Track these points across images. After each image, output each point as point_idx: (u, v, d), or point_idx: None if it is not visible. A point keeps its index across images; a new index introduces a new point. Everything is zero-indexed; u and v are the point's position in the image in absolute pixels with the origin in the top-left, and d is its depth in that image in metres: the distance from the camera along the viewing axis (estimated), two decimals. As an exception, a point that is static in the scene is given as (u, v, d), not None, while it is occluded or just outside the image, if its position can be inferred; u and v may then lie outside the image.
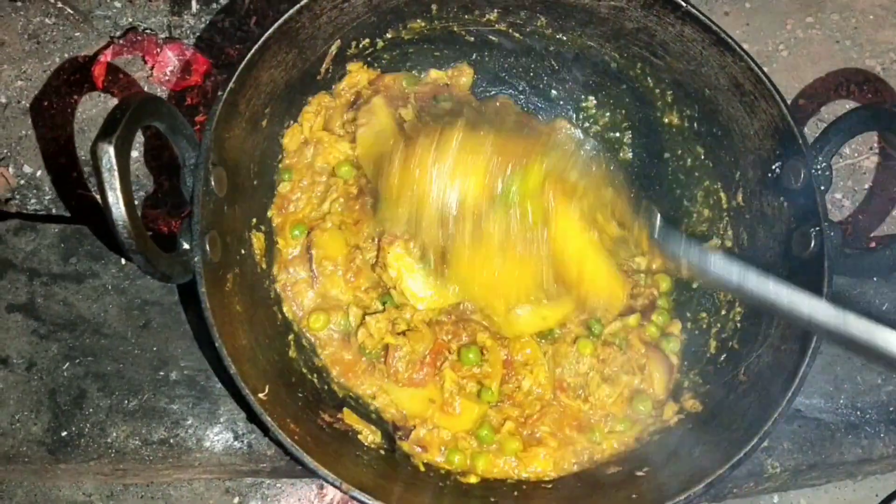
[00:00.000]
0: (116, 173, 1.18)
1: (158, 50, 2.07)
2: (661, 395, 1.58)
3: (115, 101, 2.05)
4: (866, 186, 2.19)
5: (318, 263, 1.58)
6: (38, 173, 2.01)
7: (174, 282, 1.34)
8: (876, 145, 2.21)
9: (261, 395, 1.34)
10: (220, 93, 1.44)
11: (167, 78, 2.08)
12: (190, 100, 2.05)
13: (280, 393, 1.41)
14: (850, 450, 1.65)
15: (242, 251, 1.52)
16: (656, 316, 1.64)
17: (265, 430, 1.46)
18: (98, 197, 1.83)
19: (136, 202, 1.25)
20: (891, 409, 1.69)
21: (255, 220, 1.56)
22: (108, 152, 1.18)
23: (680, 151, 1.73)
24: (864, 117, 1.45)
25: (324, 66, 1.65)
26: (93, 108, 2.07)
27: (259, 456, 1.59)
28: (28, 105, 2.07)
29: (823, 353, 1.67)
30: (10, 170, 2.00)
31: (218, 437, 1.57)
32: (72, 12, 2.15)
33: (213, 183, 1.41)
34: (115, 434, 1.55)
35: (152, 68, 2.08)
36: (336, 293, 1.59)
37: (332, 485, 1.31)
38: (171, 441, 1.56)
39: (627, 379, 1.58)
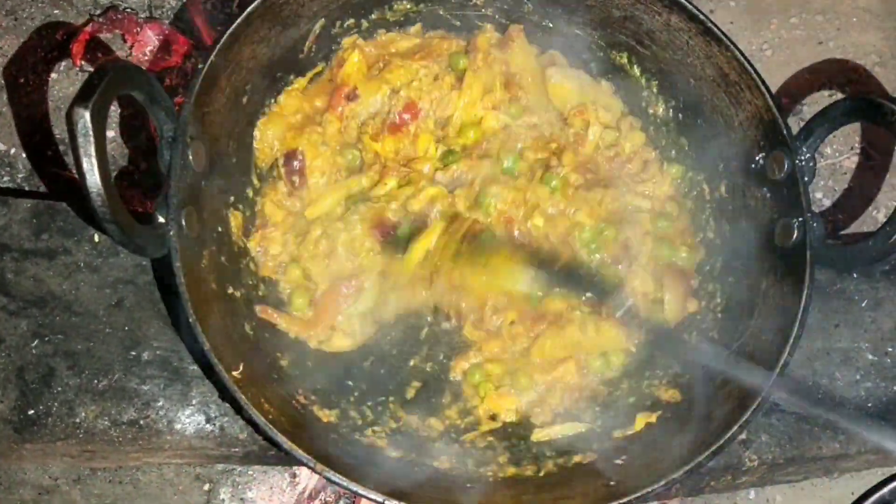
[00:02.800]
0: (92, 139, 1.16)
1: (138, 29, 2.04)
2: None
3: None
4: (847, 186, 2.19)
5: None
6: (12, 151, 1.97)
7: (149, 255, 1.31)
8: (857, 145, 2.22)
9: (235, 373, 1.32)
10: (200, 66, 1.42)
11: (147, 58, 2.05)
12: (169, 80, 2.02)
13: (254, 373, 1.38)
14: (828, 444, 1.65)
15: (219, 228, 1.49)
16: None
17: (238, 409, 1.43)
18: (73, 171, 1.82)
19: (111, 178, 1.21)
20: (868, 405, 1.69)
21: (233, 198, 1.54)
22: (84, 117, 1.15)
23: (664, 143, 1.72)
24: (848, 108, 1.44)
25: (307, 44, 1.62)
26: (70, 87, 2.03)
27: (231, 440, 1.55)
28: (3, 82, 2.03)
29: (802, 348, 1.67)
30: (-16, 146, 1.97)
31: (189, 420, 1.54)
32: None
33: (190, 157, 1.38)
34: (83, 414, 1.51)
35: (131, 47, 2.04)
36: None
37: (306, 465, 1.28)
38: (142, 422, 1.53)
39: None
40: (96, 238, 1.63)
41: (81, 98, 1.16)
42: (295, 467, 1.80)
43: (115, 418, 1.52)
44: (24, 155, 1.97)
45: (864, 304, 1.77)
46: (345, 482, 1.27)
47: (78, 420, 1.51)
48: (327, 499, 1.80)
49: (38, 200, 1.64)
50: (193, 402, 1.55)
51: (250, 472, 1.79)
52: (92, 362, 1.54)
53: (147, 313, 1.59)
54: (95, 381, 1.53)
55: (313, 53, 1.65)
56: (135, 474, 1.76)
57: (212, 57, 1.42)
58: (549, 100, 1.71)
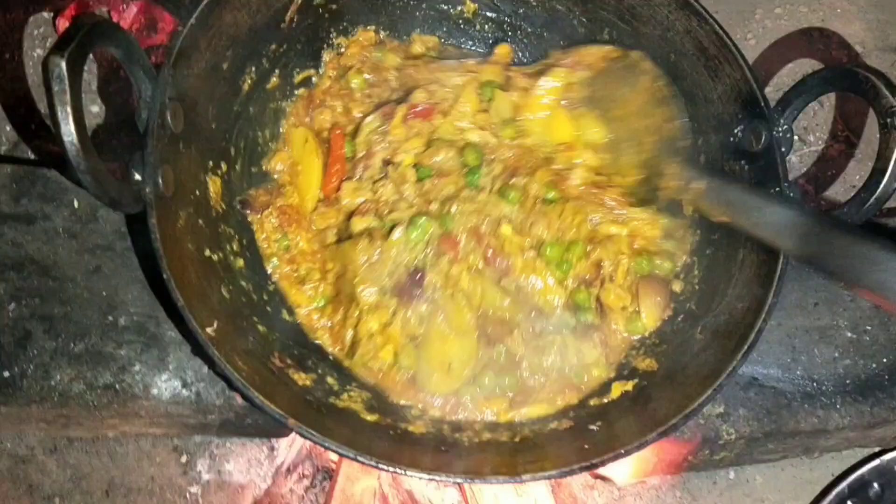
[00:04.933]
0: (67, 88, 1.16)
1: (124, 6, 2.05)
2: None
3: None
4: (829, 174, 2.20)
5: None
6: (-7, 125, 1.97)
7: (124, 210, 1.31)
8: (840, 133, 2.23)
9: (209, 330, 1.31)
10: (180, 27, 1.42)
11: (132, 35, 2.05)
12: (154, 58, 2.00)
13: (229, 332, 1.37)
14: (806, 419, 1.65)
15: (197, 192, 1.49)
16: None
17: (212, 365, 1.42)
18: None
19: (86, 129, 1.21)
20: (847, 381, 1.69)
21: (211, 162, 1.53)
22: (60, 66, 1.15)
23: (644, 117, 1.73)
24: (825, 78, 1.45)
25: (288, 14, 1.63)
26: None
27: (208, 406, 1.55)
28: (-12, 57, 2.03)
29: (781, 326, 1.69)
30: (-33, 121, 1.97)
31: (166, 385, 1.54)
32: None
33: (168, 118, 1.38)
34: (59, 377, 1.51)
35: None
36: None
37: (279, 421, 1.27)
38: (117, 386, 1.52)
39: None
40: (76, 204, 1.63)
41: (57, 48, 1.16)
42: (273, 440, 1.80)
43: (90, 382, 1.51)
44: (7, 128, 1.97)
45: (842, 284, 1.77)
46: (318, 437, 1.27)
47: (53, 383, 1.51)
48: (305, 472, 1.79)
49: (19, 166, 1.64)
50: (170, 367, 1.54)
51: (228, 445, 1.79)
52: (69, 326, 1.54)
53: (125, 279, 1.59)
54: (72, 345, 1.53)
55: (294, 24, 1.66)
56: (112, 445, 1.75)
57: (192, 19, 1.42)
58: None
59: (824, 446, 1.78)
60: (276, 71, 1.67)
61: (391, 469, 1.27)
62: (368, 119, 1.66)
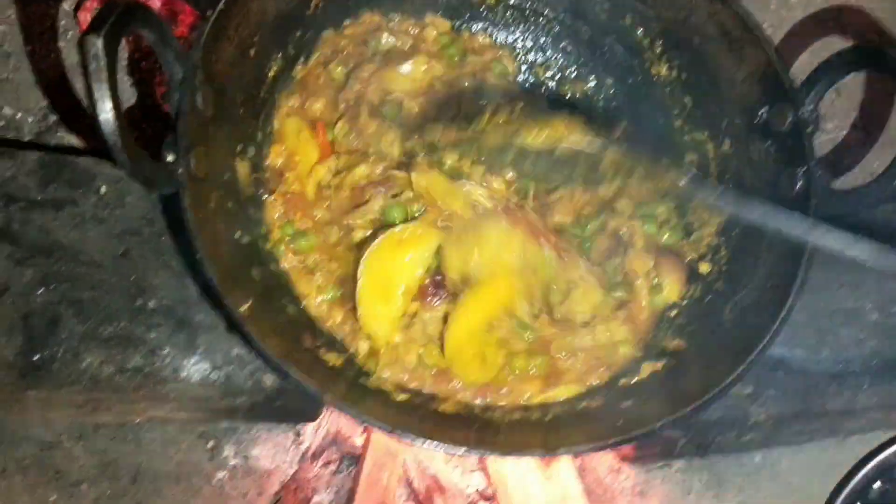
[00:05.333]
0: (104, 65, 1.17)
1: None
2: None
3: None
4: (847, 162, 2.20)
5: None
6: (18, 115, 1.98)
7: (157, 190, 1.32)
8: (859, 122, 2.23)
9: (242, 309, 1.32)
10: (209, 13, 1.43)
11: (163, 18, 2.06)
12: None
13: (261, 312, 1.38)
14: (834, 399, 1.65)
15: (227, 175, 1.50)
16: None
17: (246, 343, 1.42)
18: (78, 133, 1.83)
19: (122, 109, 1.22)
20: (873, 362, 1.69)
21: (240, 146, 1.54)
22: (97, 45, 1.16)
23: (668, 103, 1.74)
24: (851, 57, 1.45)
25: (314, 1, 1.64)
26: (77, 55, 2.04)
27: (237, 388, 1.56)
28: (10, 49, 2.04)
29: (807, 308, 1.69)
30: (-9, 110, 1.98)
31: (195, 367, 1.54)
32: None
33: (199, 101, 1.39)
34: (89, 360, 1.52)
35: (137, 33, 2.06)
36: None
37: (314, 396, 1.28)
38: (147, 369, 1.53)
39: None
40: (103, 190, 1.64)
41: (93, 28, 1.17)
42: (299, 426, 1.80)
43: (120, 365, 1.52)
44: (30, 120, 1.98)
45: (867, 266, 1.77)
46: (354, 412, 1.27)
47: (83, 366, 1.51)
48: (331, 457, 1.79)
49: (46, 153, 1.65)
50: (199, 350, 1.55)
51: (254, 431, 1.79)
52: (98, 310, 1.55)
53: (153, 264, 1.59)
54: (101, 329, 1.54)
55: (319, 10, 1.67)
56: (138, 432, 1.76)
57: (221, 4, 1.43)
58: None
59: (850, 428, 1.78)
60: (302, 58, 1.68)
61: (425, 444, 1.27)
62: (338, 125, 1.65)
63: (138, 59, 2.05)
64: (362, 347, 1.50)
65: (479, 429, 1.41)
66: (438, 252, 1.51)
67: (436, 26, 1.79)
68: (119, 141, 1.20)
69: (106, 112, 1.18)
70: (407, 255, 1.49)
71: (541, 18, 1.81)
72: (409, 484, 1.81)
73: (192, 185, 1.34)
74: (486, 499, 1.82)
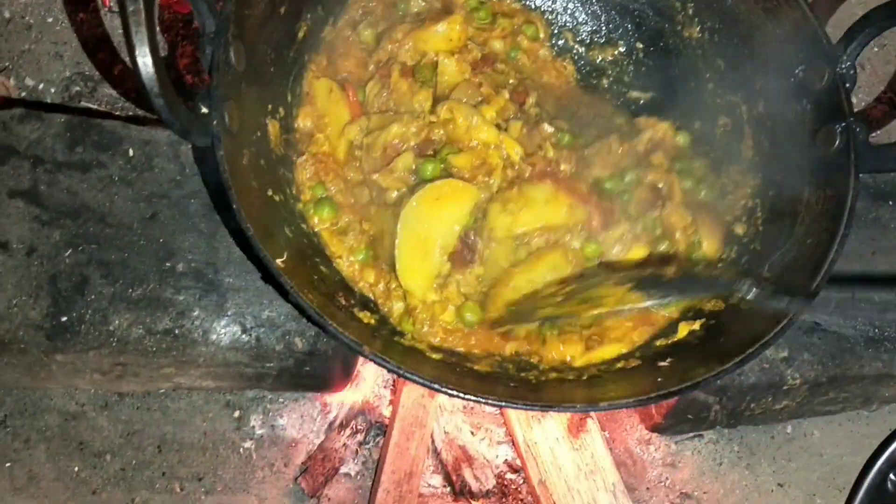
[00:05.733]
0: (143, 7, 1.15)
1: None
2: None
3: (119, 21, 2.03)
4: (873, 135, 2.19)
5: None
6: (41, 86, 1.97)
7: (192, 140, 1.29)
8: (884, 95, 2.22)
9: (279, 261, 1.29)
10: (240, -32, 1.42)
11: (176, 0, 2.05)
12: (197, 24, 2.02)
13: (297, 266, 1.36)
14: (870, 363, 1.63)
15: (258, 133, 1.48)
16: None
17: (284, 294, 1.39)
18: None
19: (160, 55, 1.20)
20: (910, 327, 1.67)
21: (270, 106, 1.52)
22: (137, -17, 1.14)
23: (700, 66, 1.72)
24: (889, 12, 1.44)
25: (341, -43, 1.63)
26: (98, 27, 2.04)
27: (267, 352, 1.53)
28: (32, 21, 2.03)
29: (840, 274, 1.66)
30: (12, 81, 1.96)
31: (225, 330, 1.52)
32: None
33: (232, 55, 1.37)
34: (117, 322, 1.49)
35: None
36: None
37: (353, 348, 1.25)
38: (176, 331, 1.50)
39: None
40: (130, 153, 1.62)
41: (132, -30, 1.16)
42: (326, 395, 1.78)
43: (149, 327, 1.50)
44: (52, 90, 1.97)
45: (900, 232, 1.76)
46: (392, 365, 1.25)
47: (112, 328, 1.49)
48: (359, 427, 1.77)
49: (73, 116, 1.63)
50: (229, 313, 1.53)
51: (281, 400, 1.76)
52: (126, 272, 1.52)
53: (182, 227, 1.57)
54: (130, 291, 1.51)
55: (347, -32, 1.66)
56: (163, 401, 1.73)
57: (252, -41, 1.42)
58: None
59: (884, 396, 1.76)
60: (331, 20, 1.67)
61: (464, 396, 1.25)
62: (369, 85, 1.63)
63: (161, 31, 2.04)
64: (396, 307, 1.48)
65: (516, 387, 1.39)
66: (474, 211, 1.49)
67: None
68: (157, 85, 1.18)
69: (144, 55, 1.16)
70: (445, 211, 1.47)
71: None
72: (437, 454, 1.79)
73: (226, 138, 1.32)
74: (515, 470, 1.79)
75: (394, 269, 1.49)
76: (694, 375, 1.31)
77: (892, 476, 1.71)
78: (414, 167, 1.53)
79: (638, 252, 1.52)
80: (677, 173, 1.59)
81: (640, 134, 1.60)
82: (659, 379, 1.35)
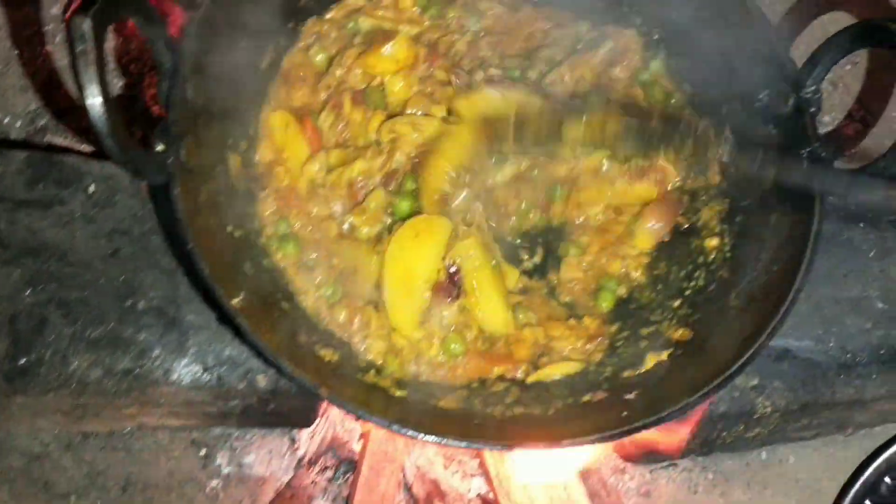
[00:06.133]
0: (92, 47, 1.13)
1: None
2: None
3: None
4: (846, 154, 2.19)
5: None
6: (6, 119, 1.96)
7: (147, 179, 1.27)
8: (855, 114, 2.22)
9: (235, 301, 1.27)
10: (199, 2, 1.41)
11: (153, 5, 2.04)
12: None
13: (255, 306, 1.34)
14: (842, 390, 1.61)
15: (218, 168, 1.46)
16: None
17: (238, 335, 1.37)
18: (65, 139, 1.79)
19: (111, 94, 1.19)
20: (882, 351, 1.66)
21: (231, 139, 1.51)
22: (85, 25, 1.12)
23: (666, 94, 1.71)
24: (853, 34, 1.42)
25: (306, -9, 1.62)
26: (64, 58, 2.02)
27: (229, 391, 1.51)
28: (-1, 54, 2.02)
29: (812, 298, 1.66)
30: (-24, 115, 1.95)
31: (186, 370, 1.50)
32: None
33: (189, 90, 1.36)
34: (77, 363, 1.47)
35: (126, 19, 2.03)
36: None
37: (310, 390, 1.23)
38: (136, 371, 1.48)
39: None
40: (92, 189, 1.60)
41: (82, 8, 1.14)
42: (294, 432, 1.75)
43: (109, 367, 1.47)
44: (17, 124, 1.95)
45: (871, 255, 1.75)
46: (351, 406, 1.23)
47: (71, 369, 1.46)
48: (328, 463, 1.74)
49: (34, 152, 1.61)
50: (190, 351, 1.50)
51: (248, 437, 1.74)
52: (86, 311, 1.50)
53: (143, 263, 1.55)
54: (90, 331, 1.49)
55: (311, 1, 1.64)
56: (128, 441, 1.71)
57: (210, -7, 1.41)
58: None
59: (859, 421, 1.74)
60: (291, 48, 1.65)
61: (424, 438, 1.23)
62: (322, 115, 1.61)
63: (127, 62, 2.03)
64: (376, 346, 1.46)
65: (480, 424, 1.37)
66: (450, 241, 1.49)
67: None
68: (107, 125, 1.16)
69: (94, 95, 1.14)
70: (424, 246, 1.48)
71: None
72: (409, 489, 1.76)
73: (183, 176, 1.30)
74: (488, 503, 1.77)
75: (371, 305, 1.48)
76: (660, 408, 1.30)
77: (866, 503, 1.70)
78: (385, 205, 1.52)
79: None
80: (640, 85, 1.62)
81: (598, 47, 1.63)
82: (624, 413, 1.33)
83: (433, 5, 1.73)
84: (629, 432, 1.27)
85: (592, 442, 1.26)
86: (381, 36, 1.65)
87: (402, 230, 1.48)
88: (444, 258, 1.49)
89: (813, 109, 1.47)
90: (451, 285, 1.50)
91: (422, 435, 1.23)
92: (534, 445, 1.27)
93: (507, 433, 1.35)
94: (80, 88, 1.15)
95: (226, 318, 1.26)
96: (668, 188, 1.61)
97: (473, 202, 1.54)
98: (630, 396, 1.40)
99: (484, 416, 1.40)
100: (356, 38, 1.66)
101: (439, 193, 1.54)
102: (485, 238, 1.52)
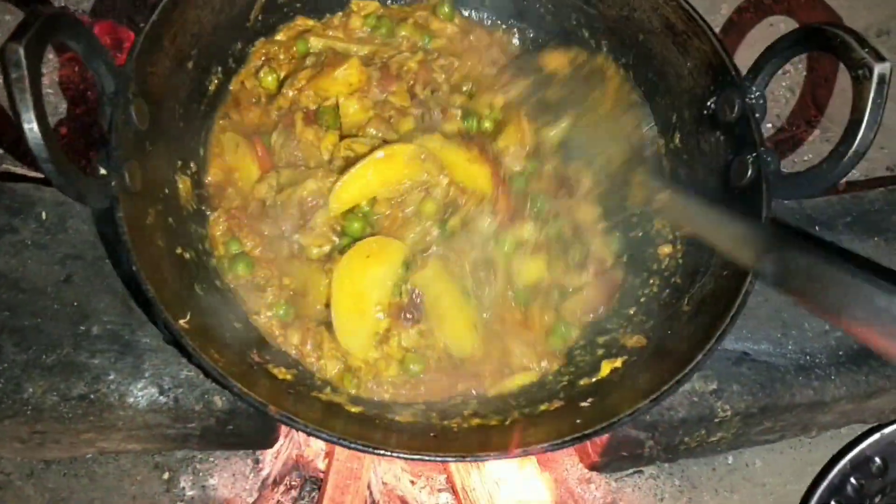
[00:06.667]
0: (26, 74, 1.14)
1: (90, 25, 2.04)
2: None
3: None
4: (805, 158, 2.20)
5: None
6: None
7: (90, 204, 1.27)
8: (814, 119, 2.24)
9: (182, 322, 1.27)
10: (142, 25, 1.41)
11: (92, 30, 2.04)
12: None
13: (204, 326, 1.33)
14: (802, 391, 1.61)
15: (167, 190, 1.46)
16: None
17: (188, 357, 1.36)
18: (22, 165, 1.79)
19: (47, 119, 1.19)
20: (840, 353, 1.66)
21: (180, 162, 1.51)
22: (19, 52, 1.13)
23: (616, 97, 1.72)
24: (794, 39, 1.44)
25: (253, 13, 1.62)
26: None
27: (187, 413, 1.50)
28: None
29: (770, 302, 1.67)
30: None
31: (142, 393, 1.49)
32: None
33: (133, 114, 1.36)
34: (31, 389, 1.45)
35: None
36: None
37: (259, 408, 1.23)
38: (92, 396, 1.47)
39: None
40: (43, 216, 1.60)
41: (15, 36, 1.15)
42: (258, 453, 1.74)
43: (64, 393, 1.46)
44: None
45: (821, 314, 1.75)
46: (300, 424, 1.22)
47: (25, 396, 1.45)
48: (293, 482, 1.73)
49: (-18, 181, 1.61)
50: (146, 374, 1.49)
51: (211, 459, 1.73)
52: (40, 338, 1.49)
53: (97, 288, 1.55)
54: (43, 357, 1.48)
55: (260, 23, 1.65)
56: (90, 466, 1.69)
57: (154, 16, 1.42)
58: None
59: (822, 422, 1.74)
60: (240, 70, 1.66)
61: (378, 452, 1.23)
62: (273, 136, 1.61)
63: (84, 89, 2.02)
64: (331, 367, 1.46)
65: (437, 436, 1.37)
66: (403, 264, 1.50)
67: (361, 9, 1.77)
68: (45, 151, 1.17)
69: (30, 121, 1.15)
70: (377, 268, 1.48)
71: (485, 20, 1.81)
72: (375, 506, 1.75)
73: (126, 199, 1.30)
74: (455, 517, 1.76)
75: (322, 325, 1.48)
76: (612, 415, 1.30)
77: (832, 503, 1.70)
78: (334, 224, 1.52)
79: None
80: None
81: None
82: (578, 421, 1.33)
83: (383, 25, 1.74)
84: (580, 439, 1.27)
85: (544, 451, 1.26)
86: (332, 58, 1.66)
87: (352, 251, 1.48)
88: (406, 282, 1.49)
89: (758, 115, 1.48)
90: (412, 308, 1.49)
91: (372, 448, 1.23)
92: (487, 456, 1.26)
93: (463, 444, 1.34)
94: (16, 115, 1.15)
95: (174, 339, 1.26)
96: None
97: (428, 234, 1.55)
98: (585, 404, 1.40)
99: (441, 429, 1.40)
100: (307, 60, 1.66)
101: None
102: (449, 265, 1.52)
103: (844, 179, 1.79)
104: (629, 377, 1.42)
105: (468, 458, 1.27)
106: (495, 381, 1.50)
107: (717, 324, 1.34)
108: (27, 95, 1.14)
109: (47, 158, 1.17)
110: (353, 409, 1.40)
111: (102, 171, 1.30)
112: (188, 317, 1.29)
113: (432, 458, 1.26)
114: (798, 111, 2.24)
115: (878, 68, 1.30)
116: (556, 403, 1.43)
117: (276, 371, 1.40)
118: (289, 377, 1.41)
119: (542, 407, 1.43)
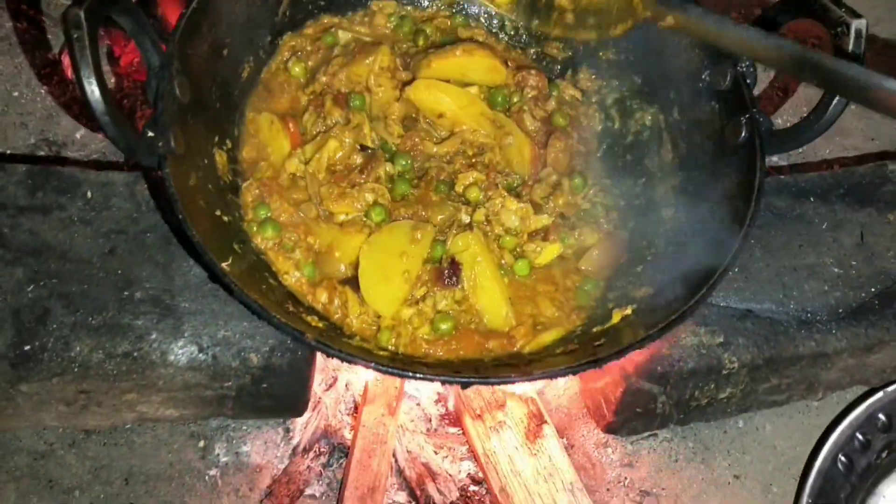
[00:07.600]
0: (86, 35, 1.26)
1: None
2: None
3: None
4: (800, 151, 2.32)
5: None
6: (7, 153, 2.07)
7: (139, 159, 1.39)
8: (793, 89, 2.37)
9: (224, 265, 1.38)
10: (184, 10, 1.55)
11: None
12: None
13: (246, 276, 1.44)
14: (804, 343, 1.70)
15: (206, 161, 1.58)
16: None
17: (229, 291, 1.45)
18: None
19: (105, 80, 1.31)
20: (839, 310, 1.75)
21: (217, 137, 1.63)
22: (80, 16, 1.26)
23: (617, 83, 1.85)
24: (780, 8, 1.57)
25: (281, 8, 1.77)
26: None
27: (224, 369, 1.59)
28: (-1, 89, 2.16)
29: (771, 267, 1.77)
30: (-21, 150, 2.07)
31: (182, 351, 1.58)
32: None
33: (176, 88, 1.49)
34: (78, 348, 1.55)
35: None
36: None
37: (296, 336, 1.32)
38: (135, 354, 1.57)
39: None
40: (89, 194, 1.71)
41: (76, 3, 1.28)
42: (288, 422, 1.83)
43: (109, 351, 1.56)
44: (21, 137, 2.07)
45: (823, 226, 1.86)
46: (333, 350, 1.31)
47: (73, 354, 1.55)
48: (321, 449, 1.81)
49: (34, 165, 1.73)
50: (186, 334, 1.59)
51: (244, 428, 1.81)
52: (86, 302, 1.59)
53: (138, 259, 1.65)
54: (90, 319, 1.58)
55: (288, 17, 1.79)
56: (129, 436, 1.78)
57: (194, 3, 1.55)
58: None
59: (826, 380, 1.82)
60: (270, 62, 1.80)
61: (409, 375, 1.32)
62: (305, 116, 1.76)
63: (120, 98, 2.16)
64: (359, 322, 1.57)
65: (460, 371, 1.46)
66: (433, 244, 1.63)
67: (381, 9, 1.93)
68: (103, 105, 1.29)
69: (89, 77, 1.27)
70: (404, 249, 1.60)
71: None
72: (401, 473, 1.82)
73: (172, 159, 1.42)
74: (477, 482, 1.83)
75: (347, 286, 1.58)
76: (622, 345, 1.39)
77: (841, 457, 1.76)
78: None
79: None
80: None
81: None
82: (591, 353, 1.42)
83: (405, 24, 1.89)
84: (595, 363, 1.35)
85: (563, 373, 1.36)
86: (362, 46, 1.81)
87: (379, 234, 1.62)
88: (445, 251, 1.63)
89: (749, 81, 1.60)
90: (451, 274, 1.60)
91: (403, 372, 1.32)
92: (510, 378, 1.35)
93: (483, 371, 1.44)
94: (77, 71, 1.28)
95: (216, 279, 1.36)
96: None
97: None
98: (598, 344, 1.49)
99: (465, 367, 1.49)
100: (335, 50, 1.81)
101: None
102: (487, 240, 1.65)
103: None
104: (639, 319, 1.51)
105: (492, 380, 1.36)
106: (528, 340, 1.59)
107: (715, 271, 1.44)
108: (87, 53, 1.27)
109: (104, 111, 1.30)
110: (382, 353, 1.50)
111: (150, 134, 1.42)
112: (230, 260, 1.40)
113: (454, 380, 1.34)
114: (792, 107, 2.37)
115: (855, 24, 1.43)
116: (572, 346, 1.52)
117: (309, 319, 1.50)
118: (321, 325, 1.51)
119: (559, 350, 1.53)
